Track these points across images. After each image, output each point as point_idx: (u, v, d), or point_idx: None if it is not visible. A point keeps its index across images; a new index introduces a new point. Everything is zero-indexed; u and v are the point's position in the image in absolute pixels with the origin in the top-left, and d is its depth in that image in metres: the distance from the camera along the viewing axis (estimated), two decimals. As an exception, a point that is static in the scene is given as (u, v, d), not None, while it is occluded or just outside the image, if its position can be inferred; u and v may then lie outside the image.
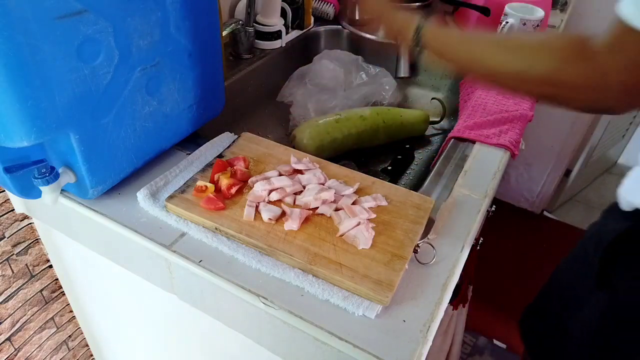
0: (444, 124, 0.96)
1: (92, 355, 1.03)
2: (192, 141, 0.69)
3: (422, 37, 0.58)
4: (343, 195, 0.58)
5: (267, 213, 0.54)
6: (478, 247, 0.80)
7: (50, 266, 0.84)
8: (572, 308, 0.74)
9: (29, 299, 0.82)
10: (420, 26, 0.58)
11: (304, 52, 1.09)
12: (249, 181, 0.59)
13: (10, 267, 0.77)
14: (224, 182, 0.57)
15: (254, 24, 0.96)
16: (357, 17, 0.90)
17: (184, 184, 0.59)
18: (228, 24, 0.90)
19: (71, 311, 0.92)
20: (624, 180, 0.64)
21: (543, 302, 0.84)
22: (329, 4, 1.11)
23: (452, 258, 0.53)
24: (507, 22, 0.97)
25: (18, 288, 0.79)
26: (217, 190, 0.57)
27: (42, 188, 0.52)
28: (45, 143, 0.52)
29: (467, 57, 0.55)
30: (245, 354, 0.62)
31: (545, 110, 1.25)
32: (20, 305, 0.81)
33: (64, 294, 0.89)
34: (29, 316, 0.84)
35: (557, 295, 0.80)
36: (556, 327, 0.78)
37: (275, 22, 0.98)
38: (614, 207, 0.66)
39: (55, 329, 0.91)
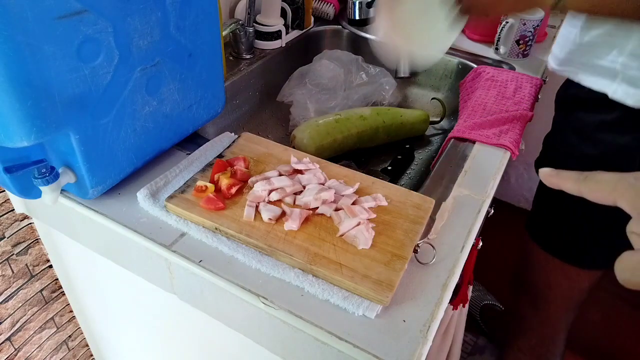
0: (444, 124, 0.96)
1: (92, 355, 1.03)
2: (192, 141, 0.69)
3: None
4: (343, 195, 0.58)
5: (267, 213, 0.54)
6: (478, 247, 0.80)
7: (50, 266, 0.84)
8: None
9: (29, 299, 0.82)
10: None
11: (304, 52, 1.09)
12: (249, 181, 0.59)
13: (10, 267, 0.77)
14: (224, 182, 0.57)
15: (254, 24, 0.96)
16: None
17: (184, 184, 0.59)
18: (228, 24, 0.90)
19: (71, 311, 0.92)
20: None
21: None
22: (329, 4, 1.11)
23: (452, 258, 0.53)
24: (507, 22, 0.97)
25: (18, 288, 0.79)
26: (217, 190, 0.57)
27: (42, 188, 0.52)
28: (45, 143, 0.52)
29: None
30: (245, 354, 0.62)
31: (545, 110, 1.25)
32: (20, 305, 0.81)
33: (64, 294, 0.89)
34: (29, 316, 0.84)
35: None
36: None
37: (275, 22, 0.98)
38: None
39: (55, 329, 0.91)
